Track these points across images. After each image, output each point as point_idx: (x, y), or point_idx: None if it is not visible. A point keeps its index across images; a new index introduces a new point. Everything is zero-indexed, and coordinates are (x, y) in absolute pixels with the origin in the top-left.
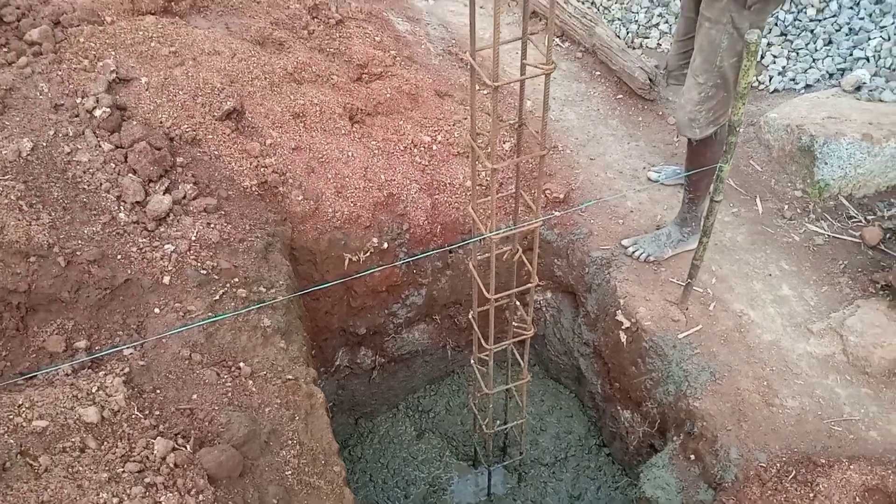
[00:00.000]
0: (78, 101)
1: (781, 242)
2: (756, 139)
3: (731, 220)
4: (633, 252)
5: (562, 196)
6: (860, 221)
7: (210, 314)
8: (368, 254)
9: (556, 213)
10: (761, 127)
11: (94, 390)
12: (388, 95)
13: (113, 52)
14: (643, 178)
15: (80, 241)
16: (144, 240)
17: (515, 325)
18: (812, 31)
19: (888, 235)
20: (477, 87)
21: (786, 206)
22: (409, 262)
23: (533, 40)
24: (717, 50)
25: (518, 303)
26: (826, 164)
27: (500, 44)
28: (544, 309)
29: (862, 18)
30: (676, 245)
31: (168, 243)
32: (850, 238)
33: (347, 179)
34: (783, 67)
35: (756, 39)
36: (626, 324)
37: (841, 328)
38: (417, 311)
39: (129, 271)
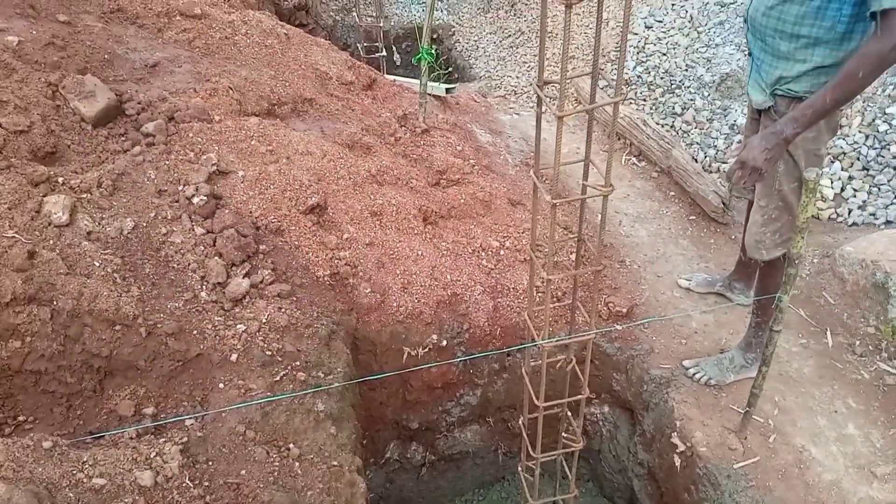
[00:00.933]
0: (180, 188)
1: (850, 379)
2: (830, 271)
3: (799, 350)
4: (695, 374)
5: (625, 310)
6: None
7: (269, 394)
8: (427, 349)
9: (616, 327)
10: (836, 259)
11: (152, 455)
12: (463, 201)
13: (216, 147)
14: (711, 300)
15: (162, 315)
16: (220, 318)
17: (565, 436)
18: (894, 169)
19: None
20: (544, 201)
21: (857, 342)
22: (465, 360)
23: (595, 163)
24: (774, 175)
25: (569, 414)
26: None
27: (561, 164)
28: (601, 423)
29: None
30: (739, 371)
31: (241, 323)
32: None
33: (415, 276)
34: (863, 202)
35: (815, 177)
36: (682, 447)
37: None
38: (471, 411)
39: (201, 346)
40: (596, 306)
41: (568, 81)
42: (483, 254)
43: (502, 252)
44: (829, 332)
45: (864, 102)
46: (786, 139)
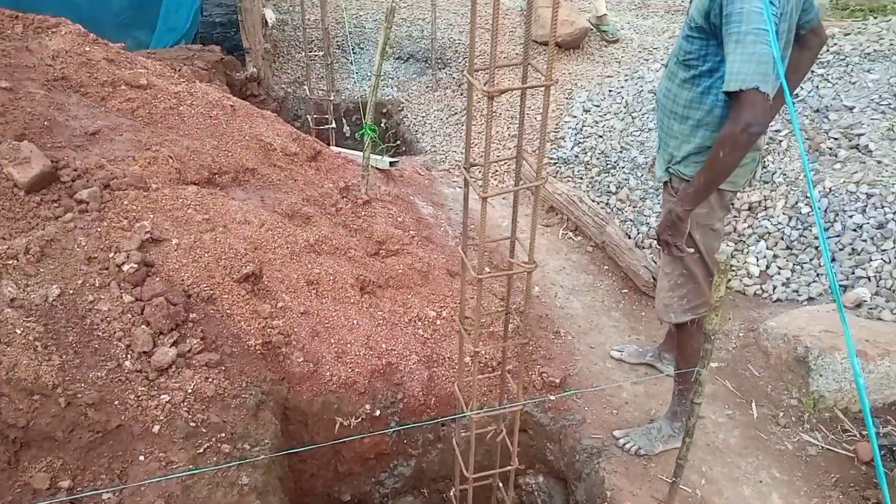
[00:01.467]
0: (111, 255)
1: (774, 450)
2: (755, 345)
3: (725, 421)
4: (625, 444)
5: (558, 381)
6: (855, 436)
7: (191, 466)
8: (360, 420)
9: (550, 398)
10: (760, 334)
11: None
12: (401, 271)
13: (152, 215)
14: (641, 371)
15: (83, 385)
16: (143, 388)
17: None
18: (817, 248)
19: (883, 453)
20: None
21: (781, 414)
22: (398, 430)
23: (520, 240)
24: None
25: (501, 485)
26: (821, 376)
27: (488, 241)
28: (535, 493)
29: (864, 241)
30: (667, 440)
31: (165, 393)
32: (843, 452)
33: (349, 346)
34: (787, 279)
35: (725, 259)
36: None
37: None
38: (405, 482)
39: (122, 417)
40: (523, 378)
41: (491, 164)
42: (419, 323)
43: (438, 322)
44: (754, 404)
45: (787, 186)
46: (678, 216)
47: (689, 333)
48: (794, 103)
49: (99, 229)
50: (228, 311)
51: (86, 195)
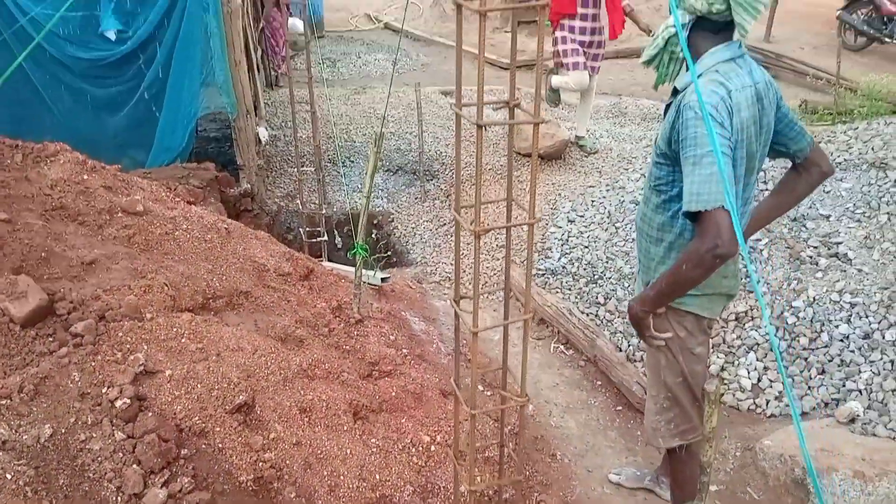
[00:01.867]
0: (104, 390)
1: None
2: (752, 465)
3: None
4: None
5: None
6: None
7: None
8: None
9: None
10: (757, 453)
11: None
12: (394, 394)
13: (145, 346)
14: (640, 496)
15: None
16: None
17: None
18: (806, 360)
19: None
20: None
21: None
22: None
23: (512, 371)
24: (659, 368)
25: None
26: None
27: (481, 370)
28: None
29: (852, 352)
30: None
31: None
32: None
33: (342, 478)
34: (779, 392)
35: (714, 389)
36: None
37: None
38: None
39: None
40: None
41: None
42: (414, 450)
43: (433, 448)
44: None
45: (771, 296)
46: (637, 315)
47: (680, 460)
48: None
49: (93, 363)
50: (220, 445)
51: (81, 328)
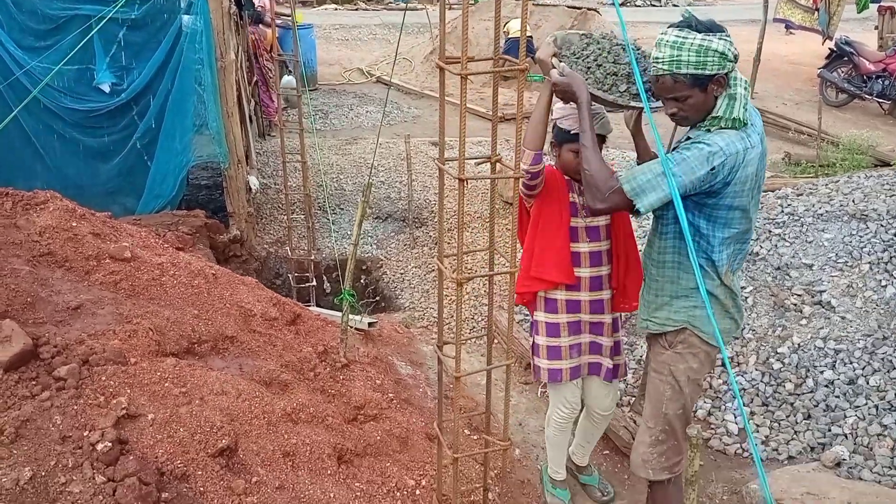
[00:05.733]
0: (85, 433)
1: None
2: None
3: None
4: None
5: None
6: None
7: None
8: None
9: None
10: (744, 497)
11: None
12: (379, 437)
13: (128, 391)
14: None
15: None
16: None
17: None
18: (792, 405)
19: None
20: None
21: None
22: None
23: (496, 415)
24: (662, 399)
25: None
26: None
27: (462, 415)
28: None
29: (837, 397)
30: None
31: None
32: None
33: None
34: (766, 437)
35: (696, 434)
36: None
37: None
38: None
39: None
40: None
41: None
42: (398, 494)
43: (418, 492)
44: None
45: (757, 342)
46: (572, 90)
47: (665, 492)
48: (755, 261)
49: (75, 407)
50: (202, 489)
51: (64, 372)
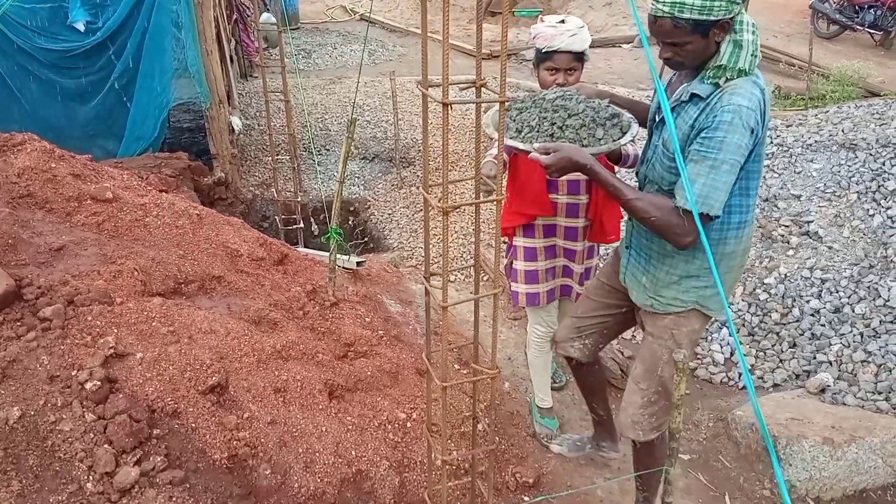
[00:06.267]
0: (73, 373)
1: None
2: (725, 434)
3: None
4: None
5: (531, 481)
6: None
7: None
8: None
9: (525, 499)
10: (729, 423)
11: None
12: (369, 373)
13: (115, 330)
14: (615, 466)
15: None
16: None
17: None
18: (778, 334)
19: None
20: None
21: None
22: None
23: (483, 346)
24: (658, 362)
25: None
26: (790, 465)
27: (450, 347)
28: None
29: (823, 325)
30: None
31: None
32: None
33: (318, 454)
34: (752, 365)
35: (683, 359)
36: None
37: None
38: None
39: None
40: (493, 482)
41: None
42: (389, 427)
43: (409, 424)
44: (727, 497)
45: (744, 274)
46: (577, 164)
47: (651, 447)
48: None
49: (62, 347)
50: (193, 425)
51: (49, 313)
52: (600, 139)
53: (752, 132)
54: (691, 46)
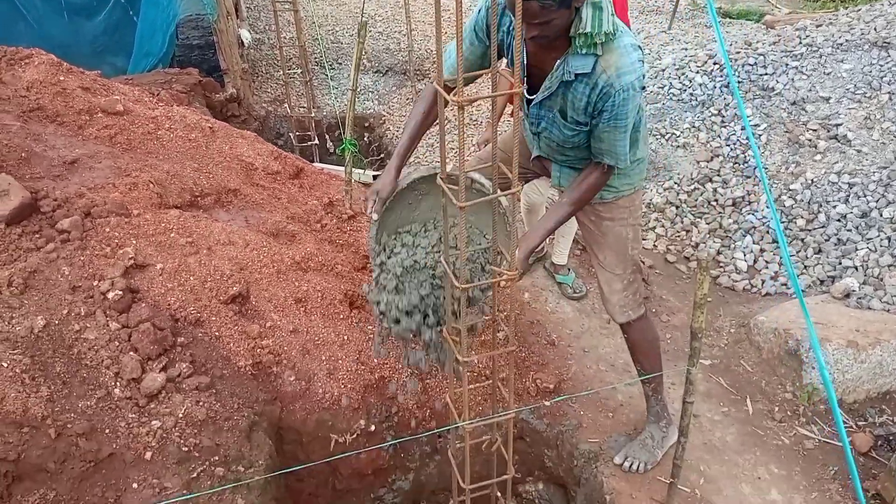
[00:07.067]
0: (95, 283)
1: (772, 445)
2: (747, 340)
3: (721, 419)
4: (630, 465)
5: (552, 386)
6: (851, 427)
7: (185, 492)
8: (355, 436)
9: (545, 404)
10: (751, 329)
11: None
12: None
13: (134, 241)
14: (634, 372)
15: (72, 415)
16: (134, 415)
17: None
18: (803, 240)
19: (879, 442)
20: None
21: (776, 408)
22: (395, 445)
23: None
24: (626, 242)
25: (499, 494)
26: (813, 368)
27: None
28: (536, 501)
29: (849, 230)
30: (662, 443)
31: (156, 419)
32: (840, 444)
33: (340, 362)
34: (775, 272)
35: (706, 257)
36: None
37: None
38: (405, 496)
39: (114, 445)
40: (514, 385)
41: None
42: None
43: None
44: (749, 400)
45: (769, 180)
46: (522, 262)
47: (642, 326)
48: (770, 97)
49: (82, 258)
50: (217, 334)
51: (67, 224)
52: (484, 238)
53: (642, 89)
54: (558, 21)
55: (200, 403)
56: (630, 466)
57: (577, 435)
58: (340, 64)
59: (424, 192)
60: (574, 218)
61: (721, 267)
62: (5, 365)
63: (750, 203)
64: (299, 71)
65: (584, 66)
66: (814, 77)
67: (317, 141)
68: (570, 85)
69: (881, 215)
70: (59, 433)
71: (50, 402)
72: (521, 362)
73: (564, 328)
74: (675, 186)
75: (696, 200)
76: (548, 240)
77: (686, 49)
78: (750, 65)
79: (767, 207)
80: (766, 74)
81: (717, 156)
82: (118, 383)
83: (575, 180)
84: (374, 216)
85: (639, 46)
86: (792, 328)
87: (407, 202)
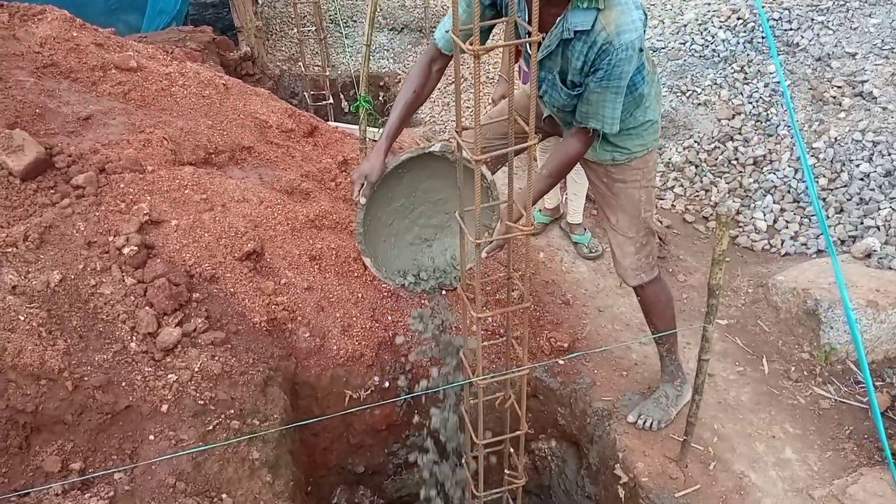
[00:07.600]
0: (110, 239)
1: (787, 404)
2: (764, 300)
3: (736, 378)
4: (644, 423)
5: (566, 345)
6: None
7: (201, 444)
8: (370, 392)
9: (559, 361)
10: (769, 289)
11: None
12: None
13: (149, 197)
14: (648, 331)
15: (89, 368)
16: (150, 369)
17: (508, 473)
18: (825, 199)
19: None
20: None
21: (792, 368)
22: (408, 400)
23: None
24: (638, 205)
25: (512, 450)
26: (832, 328)
27: (482, 206)
28: (549, 459)
29: (872, 190)
30: (677, 402)
31: (172, 373)
32: (856, 404)
33: (355, 319)
34: (795, 232)
35: (726, 212)
36: (624, 478)
37: (843, 496)
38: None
39: (130, 398)
40: (527, 343)
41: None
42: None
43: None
44: (765, 360)
45: (791, 138)
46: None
47: (656, 288)
48: (794, 53)
49: (97, 213)
50: (232, 290)
51: (82, 180)
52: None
53: (641, 51)
54: None
55: (216, 358)
56: (643, 424)
57: (591, 393)
58: (355, 21)
59: (407, 168)
60: (585, 176)
61: (740, 227)
62: (22, 318)
63: (771, 162)
64: (314, 28)
65: (585, 21)
66: (840, 32)
67: (331, 100)
68: (569, 43)
69: None
70: (76, 385)
71: (67, 355)
72: (536, 321)
73: (580, 288)
74: (695, 145)
75: (716, 159)
76: (562, 199)
77: (709, 3)
78: (774, 19)
79: (789, 166)
80: (791, 29)
81: (739, 114)
82: (134, 337)
83: (555, 149)
84: (363, 200)
85: (641, 5)
86: (811, 288)
87: (393, 181)
